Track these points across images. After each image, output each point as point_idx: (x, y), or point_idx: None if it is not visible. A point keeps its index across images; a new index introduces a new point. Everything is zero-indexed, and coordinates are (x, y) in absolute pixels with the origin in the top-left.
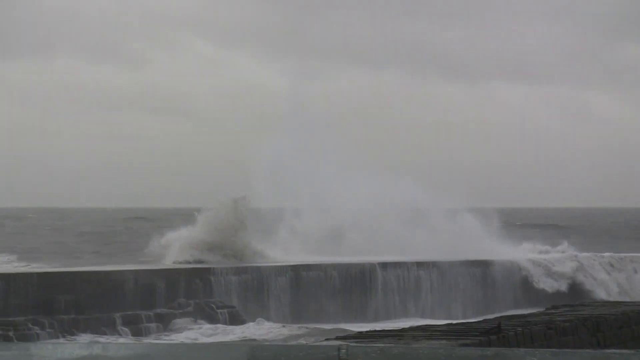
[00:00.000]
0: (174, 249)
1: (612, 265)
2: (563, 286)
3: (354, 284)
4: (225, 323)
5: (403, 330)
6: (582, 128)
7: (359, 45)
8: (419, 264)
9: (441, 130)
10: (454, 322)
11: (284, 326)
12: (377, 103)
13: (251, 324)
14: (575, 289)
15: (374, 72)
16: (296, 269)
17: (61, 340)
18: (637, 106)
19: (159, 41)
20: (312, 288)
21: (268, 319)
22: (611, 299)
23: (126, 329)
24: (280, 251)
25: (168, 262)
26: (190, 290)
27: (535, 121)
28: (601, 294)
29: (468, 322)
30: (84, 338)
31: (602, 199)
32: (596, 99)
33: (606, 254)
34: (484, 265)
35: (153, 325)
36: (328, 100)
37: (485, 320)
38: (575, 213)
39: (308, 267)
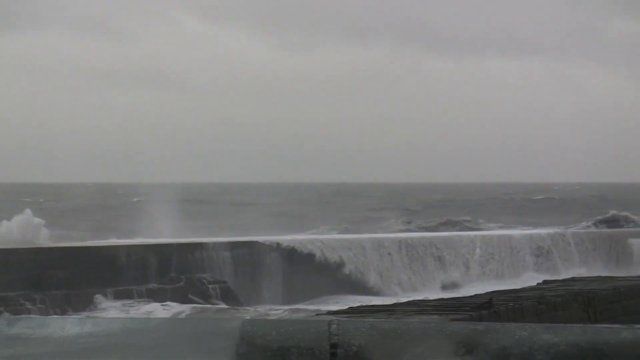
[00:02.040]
0: None
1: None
2: None
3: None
4: (217, 298)
5: (395, 305)
6: (574, 101)
7: (347, 20)
8: None
9: (431, 105)
10: (446, 297)
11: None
12: (366, 76)
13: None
14: None
15: (362, 45)
16: (288, 247)
17: (52, 315)
18: (628, 80)
19: (147, 15)
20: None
21: (260, 295)
22: None
23: (118, 304)
24: None
25: None
26: (182, 265)
27: (526, 96)
28: None
29: (460, 297)
30: (75, 314)
31: (590, 174)
32: (588, 73)
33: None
34: None
35: (145, 300)
36: (317, 73)
37: (476, 295)
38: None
39: (300, 243)
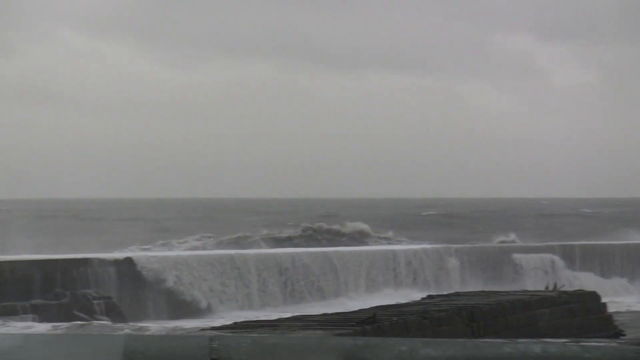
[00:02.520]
0: None
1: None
2: None
3: None
4: (102, 314)
5: (279, 320)
6: (457, 118)
7: (232, 36)
8: None
9: (315, 120)
10: (330, 312)
11: None
12: (248, 93)
13: None
14: None
15: (245, 61)
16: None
17: None
18: (510, 96)
19: (32, 32)
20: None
21: (145, 310)
22: None
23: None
24: None
25: None
26: (67, 280)
27: (409, 111)
28: None
29: (344, 312)
30: None
31: (474, 190)
32: (471, 89)
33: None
34: None
35: (29, 316)
36: (199, 90)
37: (360, 310)
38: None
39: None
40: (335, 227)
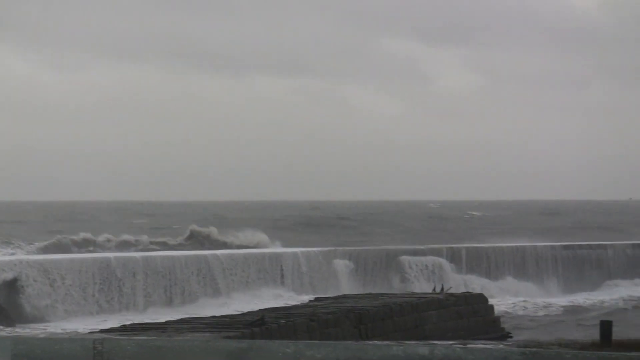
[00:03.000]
0: None
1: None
2: None
3: None
4: None
5: (167, 322)
6: (342, 121)
7: (117, 38)
8: None
9: (201, 123)
10: (218, 315)
11: None
12: (135, 96)
13: None
14: None
15: (132, 64)
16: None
17: None
18: (395, 100)
19: None
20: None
21: (33, 313)
22: None
23: None
24: None
25: None
26: None
27: (296, 114)
28: None
29: (232, 315)
30: None
31: (364, 192)
32: (355, 92)
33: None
34: None
35: None
36: (84, 93)
37: (249, 313)
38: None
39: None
40: (230, 239)
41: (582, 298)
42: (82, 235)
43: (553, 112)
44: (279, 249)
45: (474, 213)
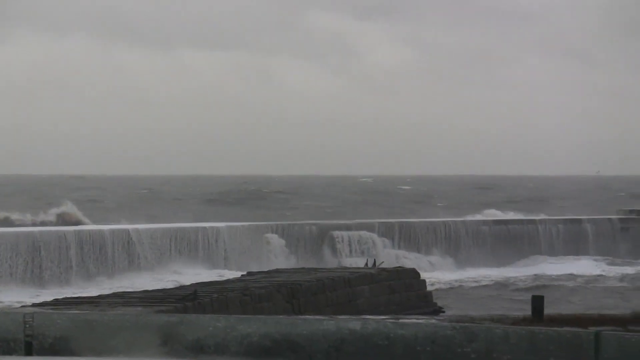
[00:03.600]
0: None
1: None
2: None
3: None
4: None
5: (100, 297)
6: (272, 94)
7: (40, 10)
8: None
9: (129, 98)
10: (151, 289)
11: None
12: (60, 70)
13: None
14: None
15: (56, 38)
16: None
17: None
18: (326, 74)
19: None
20: None
21: None
22: None
23: None
24: None
25: None
26: None
27: (223, 88)
28: None
29: (166, 289)
30: None
31: (296, 167)
32: (285, 66)
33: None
34: None
35: None
36: (8, 64)
37: (181, 287)
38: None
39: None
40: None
41: (513, 273)
42: None
43: (485, 88)
44: (204, 224)
45: (405, 187)
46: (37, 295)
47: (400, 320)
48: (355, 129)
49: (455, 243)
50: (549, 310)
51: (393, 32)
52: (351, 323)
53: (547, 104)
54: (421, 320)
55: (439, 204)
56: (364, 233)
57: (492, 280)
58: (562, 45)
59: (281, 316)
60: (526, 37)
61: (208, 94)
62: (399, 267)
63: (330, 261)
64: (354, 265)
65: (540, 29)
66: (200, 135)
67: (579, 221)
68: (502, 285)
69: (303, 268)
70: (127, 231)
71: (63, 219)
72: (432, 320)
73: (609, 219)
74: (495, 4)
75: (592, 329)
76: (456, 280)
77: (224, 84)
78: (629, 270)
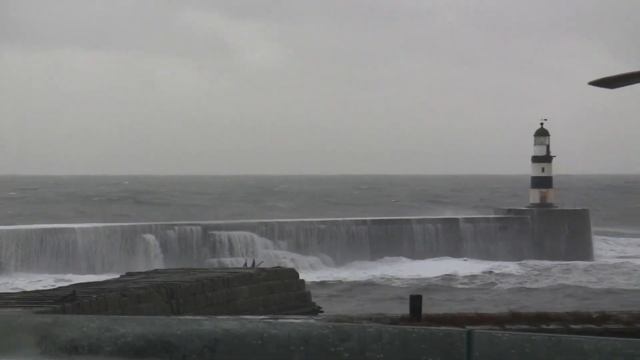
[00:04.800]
0: None
1: None
2: None
3: None
4: None
5: None
6: (150, 93)
7: None
8: None
9: (7, 97)
10: (30, 290)
11: None
12: None
13: None
14: None
15: None
16: None
17: None
18: (201, 73)
19: None
20: None
21: None
22: None
23: None
24: None
25: None
26: None
27: (104, 87)
28: None
29: (44, 290)
30: None
31: (174, 166)
32: (160, 65)
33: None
34: None
35: None
36: None
37: (60, 288)
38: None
39: None
40: None
41: (392, 272)
42: None
43: (359, 87)
44: (73, 225)
45: (284, 187)
46: None
47: (273, 321)
48: (235, 129)
49: (335, 242)
50: (431, 309)
51: (269, 32)
52: (226, 323)
53: (423, 103)
54: (295, 320)
55: (323, 204)
56: (244, 233)
57: (371, 279)
58: (438, 45)
59: (157, 316)
60: (401, 38)
61: (89, 93)
62: (278, 267)
63: (210, 261)
64: (233, 266)
65: (415, 29)
66: (78, 133)
67: (457, 220)
68: (381, 285)
69: (182, 268)
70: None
71: None
72: (311, 320)
73: (487, 217)
74: (371, 5)
75: (468, 328)
76: (336, 280)
77: (104, 84)
78: (509, 269)
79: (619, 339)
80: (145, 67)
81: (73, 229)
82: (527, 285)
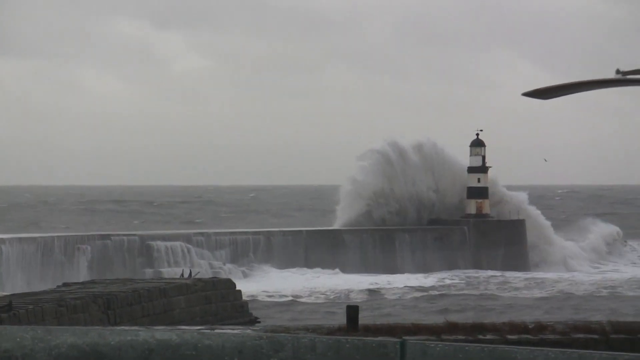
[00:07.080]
0: None
1: None
2: None
3: None
4: None
5: None
6: (75, 101)
7: None
8: None
9: None
10: None
11: None
12: None
13: None
14: None
15: None
16: None
17: None
18: (128, 82)
19: None
20: None
21: None
22: None
23: None
24: None
25: None
26: None
27: (24, 96)
28: None
29: None
30: None
31: (100, 176)
32: (86, 75)
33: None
34: None
35: None
36: None
37: None
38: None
39: None
40: None
41: (330, 284)
42: None
43: (287, 96)
44: (30, 234)
45: (210, 196)
46: None
47: (209, 331)
48: (160, 139)
49: (270, 252)
50: (368, 320)
51: (192, 40)
52: (160, 333)
53: (350, 112)
54: (229, 330)
55: (252, 214)
56: (180, 244)
57: (309, 291)
58: (366, 54)
59: (91, 327)
60: (328, 46)
61: (8, 102)
62: (214, 277)
63: (146, 272)
64: (170, 276)
65: (343, 37)
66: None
67: (392, 231)
68: (320, 296)
69: (119, 279)
70: None
71: None
72: (248, 331)
73: (423, 228)
74: (296, 14)
75: (402, 338)
76: (273, 290)
77: (25, 92)
78: (445, 280)
79: (552, 349)
80: (71, 76)
81: (3, 239)
82: (464, 295)
